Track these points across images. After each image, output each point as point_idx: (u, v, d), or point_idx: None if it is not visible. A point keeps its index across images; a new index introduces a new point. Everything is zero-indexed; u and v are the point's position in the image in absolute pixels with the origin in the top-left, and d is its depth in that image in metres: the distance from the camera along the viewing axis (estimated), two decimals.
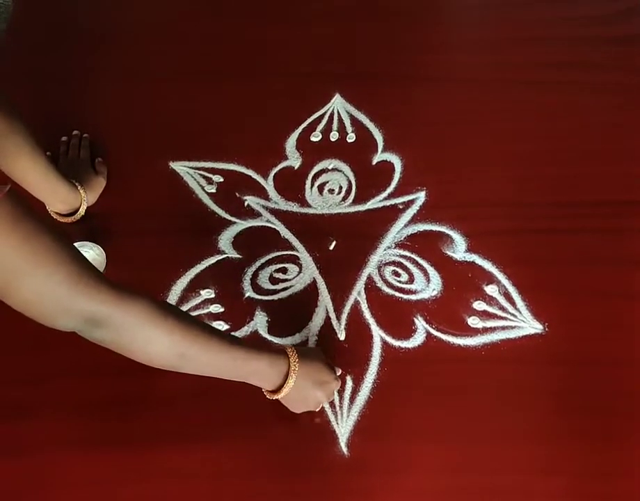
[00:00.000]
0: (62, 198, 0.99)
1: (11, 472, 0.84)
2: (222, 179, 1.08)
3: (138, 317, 0.63)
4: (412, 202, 1.05)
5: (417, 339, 0.93)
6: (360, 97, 1.17)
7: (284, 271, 0.99)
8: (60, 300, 0.58)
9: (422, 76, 1.21)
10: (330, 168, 1.09)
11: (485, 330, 0.93)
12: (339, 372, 0.88)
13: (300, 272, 0.99)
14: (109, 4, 1.33)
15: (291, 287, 0.98)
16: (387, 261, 1.00)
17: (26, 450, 0.86)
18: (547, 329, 0.93)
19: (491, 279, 0.97)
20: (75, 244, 0.97)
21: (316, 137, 1.13)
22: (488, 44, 1.26)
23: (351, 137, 1.13)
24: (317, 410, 0.87)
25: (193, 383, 0.87)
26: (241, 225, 1.04)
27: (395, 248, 1.01)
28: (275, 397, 0.80)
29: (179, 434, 0.86)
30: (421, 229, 1.02)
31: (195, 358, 0.70)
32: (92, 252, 0.97)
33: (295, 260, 1.00)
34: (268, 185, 1.08)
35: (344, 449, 0.85)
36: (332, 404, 0.88)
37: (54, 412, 0.88)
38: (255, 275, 0.99)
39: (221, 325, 0.94)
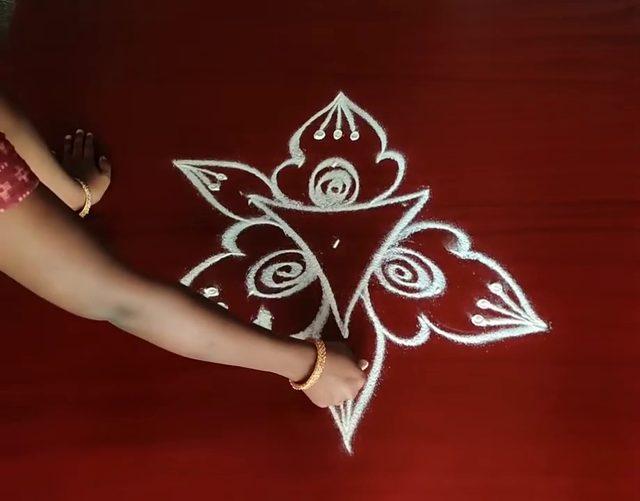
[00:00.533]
0: (66, 197, 0.98)
1: (12, 472, 0.84)
2: (225, 178, 1.08)
3: (168, 306, 0.64)
4: (415, 200, 1.05)
5: (420, 338, 0.93)
6: (363, 96, 1.17)
7: (287, 269, 0.99)
8: (92, 291, 0.59)
9: (424, 76, 1.21)
10: (333, 166, 1.10)
11: (489, 329, 0.93)
12: (365, 366, 0.88)
13: (303, 270, 0.99)
14: (111, 3, 1.33)
15: (294, 285, 0.98)
16: (390, 259, 1.00)
17: (27, 450, 0.85)
18: (551, 328, 0.93)
19: (495, 277, 0.97)
20: None
21: (319, 135, 1.13)
22: (489, 43, 1.26)
23: (355, 135, 1.13)
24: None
25: (196, 382, 0.88)
26: (245, 223, 1.04)
27: (399, 246, 1.01)
28: (300, 388, 0.80)
29: (181, 433, 0.86)
30: (425, 228, 1.02)
31: (223, 347, 0.70)
32: None
33: (298, 259, 1.00)
34: (272, 183, 1.08)
35: (348, 448, 0.85)
36: None
37: (56, 412, 0.88)
38: (259, 273, 0.99)
39: None
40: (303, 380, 0.79)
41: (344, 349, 0.85)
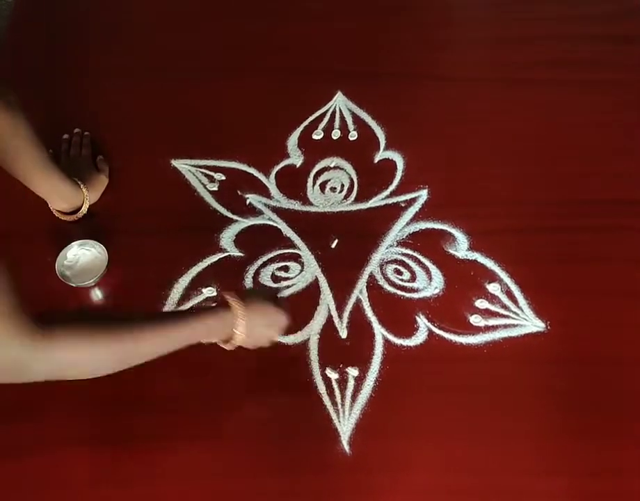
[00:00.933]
0: (64, 197, 0.99)
1: (12, 472, 0.84)
2: (224, 177, 1.08)
3: (68, 348, 0.63)
4: (414, 200, 1.05)
5: (419, 338, 0.93)
6: (361, 95, 1.17)
7: (286, 269, 0.99)
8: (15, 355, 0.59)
9: (423, 75, 1.21)
10: (332, 166, 1.09)
11: (487, 329, 0.93)
12: (282, 294, 0.89)
13: (302, 270, 0.99)
14: (111, 3, 1.33)
15: (293, 285, 0.98)
16: (389, 259, 1.00)
17: (27, 450, 0.85)
18: (549, 327, 0.93)
19: (493, 277, 0.97)
20: (77, 242, 0.97)
21: (318, 135, 1.13)
22: (488, 43, 1.26)
23: (353, 135, 1.13)
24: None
25: (195, 383, 0.88)
26: (243, 223, 1.04)
27: (397, 246, 1.01)
28: (229, 347, 0.81)
29: (180, 433, 0.86)
30: (423, 228, 1.02)
31: (140, 354, 0.71)
32: (94, 251, 0.97)
33: (297, 258, 1.00)
34: (270, 183, 1.08)
35: (346, 448, 0.85)
36: (334, 402, 0.88)
37: (56, 412, 0.87)
38: (257, 273, 0.99)
39: None
40: (228, 339, 0.80)
41: (259, 293, 0.85)
